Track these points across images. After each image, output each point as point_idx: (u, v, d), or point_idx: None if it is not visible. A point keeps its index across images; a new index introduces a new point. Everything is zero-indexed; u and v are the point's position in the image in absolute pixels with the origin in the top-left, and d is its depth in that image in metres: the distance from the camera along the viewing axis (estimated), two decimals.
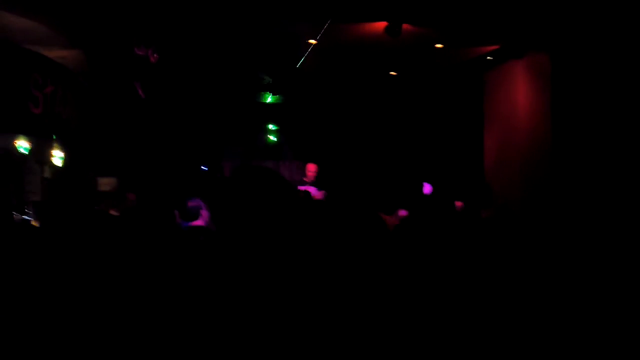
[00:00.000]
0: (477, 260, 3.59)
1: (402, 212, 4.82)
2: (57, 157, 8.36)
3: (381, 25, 6.11)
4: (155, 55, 6.46)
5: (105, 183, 8.44)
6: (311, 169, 8.08)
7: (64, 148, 8.34)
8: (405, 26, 6.05)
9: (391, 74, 8.75)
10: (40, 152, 8.69)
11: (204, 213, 4.46)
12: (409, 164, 10.14)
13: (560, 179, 6.74)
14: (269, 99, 10.18)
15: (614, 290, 3.83)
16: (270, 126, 10.89)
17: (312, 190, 5.95)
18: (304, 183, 8.01)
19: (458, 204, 5.65)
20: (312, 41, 6.78)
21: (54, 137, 7.85)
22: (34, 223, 7.60)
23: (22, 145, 7.93)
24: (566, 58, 6.74)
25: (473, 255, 3.65)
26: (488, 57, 7.74)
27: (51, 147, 8.36)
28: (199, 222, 4.43)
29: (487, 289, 3.29)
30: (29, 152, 8.07)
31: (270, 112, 10.72)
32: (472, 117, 8.98)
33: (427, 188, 7.76)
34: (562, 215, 6.41)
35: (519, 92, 7.73)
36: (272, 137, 10.86)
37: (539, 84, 7.25)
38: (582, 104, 6.52)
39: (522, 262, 3.84)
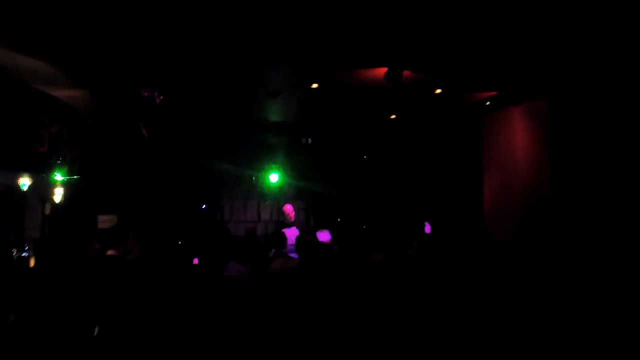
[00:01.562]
0: (473, 299, 3.62)
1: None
2: (59, 194, 8.40)
3: (382, 71, 6.25)
4: (160, 97, 6.58)
5: (106, 220, 8.46)
6: (288, 210, 7.95)
7: (66, 186, 8.39)
8: (405, 72, 6.18)
9: (391, 118, 8.87)
10: (41, 190, 8.74)
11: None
12: (409, 207, 10.18)
13: (558, 223, 6.77)
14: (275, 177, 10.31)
15: (609, 333, 3.83)
16: (271, 166, 10.96)
17: (321, 235, 5.95)
18: (286, 225, 7.72)
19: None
20: (314, 85, 6.91)
21: (59, 175, 7.91)
22: (31, 260, 7.58)
23: (24, 182, 7.99)
24: (563, 104, 6.87)
25: (470, 294, 3.68)
26: (487, 103, 7.88)
27: (53, 185, 8.40)
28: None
29: (480, 327, 3.31)
30: (29, 189, 8.11)
31: (271, 153, 10.82)
32: (472, 160, 9.07)
33: (427, 228, 7.81)
34: (560, 259, 6.42)
35: (518, 137, 7.83)
36: (273, 177, 10.92)
37: (536, 129, 7.36)
38: (579, 149, 6.61)
39: (518, 302, 3.86)
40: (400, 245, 5.66)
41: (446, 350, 3.00)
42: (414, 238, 6.23)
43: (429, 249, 6.08)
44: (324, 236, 5.97)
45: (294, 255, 5.51)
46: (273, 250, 6.10)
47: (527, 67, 6.31)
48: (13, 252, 7.54)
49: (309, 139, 9.96)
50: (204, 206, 10.52)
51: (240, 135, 9.82)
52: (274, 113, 8.76)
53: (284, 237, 5.81)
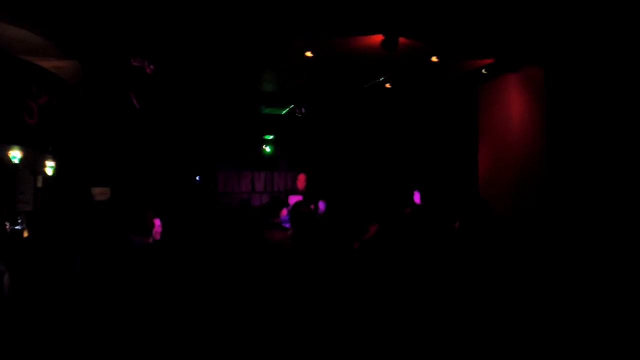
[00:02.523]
0: (469, 270, 3.60)
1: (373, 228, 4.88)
2: (50, 167, 8.32)
3: (377, 38, 6.14)
4: (151, 66, 6.44)
5: (100, 193, 8.40)
6: (301, 178, 8.42)
7: (57, 158, 8.30)
8: (401, 39, 6.08)
9: (386, 87, 8.78)
10: (33, 163, 8.65)
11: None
12: (403, 176, 10.16)
13: (553, 192, 6.77)
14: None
15: (606, 301, 3.84)
16: (265, 137, 10.89)
17: (321, 205, 5.97)
18: (297, 192, 8.12)
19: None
20: (308, 54, 6.79)
21: (49, 147, 7.82)
22: (25, 233, 7.55)
23: (15, 155, 7.89)
24: (560, 71, 6.79)
25: (465, 266, 3.66)
26: (483, 71, 7.79)
27: (45, 158, 8.31)
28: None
29: (477, 300, 3.30)
30: (20, 162, 8.02)
31: (265, 123, 10.73)
32: (467, 129, 9.02)
33: (417, 196, 7.81)
34: (555, 228, 6.43)
35: (514, 105, 7.77)
36: (266, 148, 10.87)
37: (533, 97, 7.30)
38: (576, 117, 6.56)
39: (514, 274, 3.85)
40: (394, 215, 5.65)
41: (442, 325, 2.99)
42: (411, 208, 6.23)
43: (420, 218, 6.07)
44: (321, 206, 5.96)
45: (288, 225, 5.49)
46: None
47: (524, 32, 6.21)
48: (6, 225, 7.51)
49: (303, 109, 9.87)
50: (197, 177, 10.46)
51: (233, 105, 9.71)
52: (268, 82, 8.64)
53: (281, 205, 5.78)
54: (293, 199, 7.04)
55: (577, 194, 6.43)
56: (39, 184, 9.22)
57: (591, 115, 6.35)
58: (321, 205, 5.95)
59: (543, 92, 7.04)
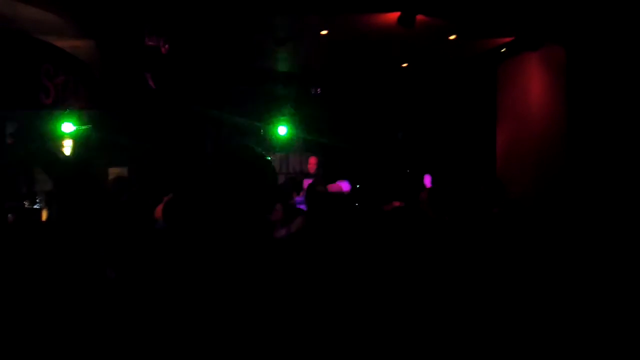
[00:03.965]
0: (485, 254, 3.54)
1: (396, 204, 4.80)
2: (68, 147, 8.36)
3: (394, 15, 6.04)
4: (166, 46, 6.42)
5: (117, 174, 8.44)
6: (312, 161, 8.28)
7: (75, 138, 8.35)
8: (418, 17, 5.97)
9: (403, 66, 8.67)
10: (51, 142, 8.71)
11: None
12: (419, 158, 10.08)
13: (574, 174, 6.65)
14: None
15: (627, 286, 3.77)
16: (281, 117, 10.84)
17: (344, 185, 5.88)
18: (309, 175, 8.00)
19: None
20: (324, 32, 6.72)
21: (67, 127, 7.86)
22: (43, 212, 7.63)
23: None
24: (582, 50, 6.63)
25: (482, 250, 3.60)
26: (502, 50, 7.64)
27: (62, 138, 8.36)
28: None
29: (494, 284, 3.25)
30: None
31: (281, 103, 10.68)
32: (485, 110, 8.90)
33: (427, 180, 7.73)
34: (576, 211, 6.33)
35: (533, 85, 7.63)
36: (282, 129, 10.81)
37: (553, 76, 7.15)
38: (597, 97, 6.42)
39: (533, 258, 3.79)
40: (411, 196, 5.58)
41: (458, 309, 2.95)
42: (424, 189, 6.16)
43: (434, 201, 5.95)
44: (344, 186, 5.88)
45: (302, 207, 5.44)
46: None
47: (545, 9, 6.06)
48: (25, 204, 7.59)
49: (318, 90, 9.80)
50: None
51: (248, 86, 9.67)
52: (283, 63, 8.59)
53: (296, 186, 5.73)
54: (307, 183, 6.99)
55: (598, 174, 6.31)
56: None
57: (613, 94, 6.20)
58: (344, 185, 5.85)
59: (564, 72, 6.88)
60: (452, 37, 7.03)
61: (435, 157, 9.82)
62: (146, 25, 6.34)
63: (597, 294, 3.61)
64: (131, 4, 5.80)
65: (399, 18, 5.96)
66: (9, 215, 6.31)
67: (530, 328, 3.02)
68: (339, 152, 10.43)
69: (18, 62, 6.05)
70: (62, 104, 6.75)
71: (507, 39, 7.38)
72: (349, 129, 10.68)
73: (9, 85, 5.89)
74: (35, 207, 7.60)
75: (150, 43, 6.45)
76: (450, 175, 8.46)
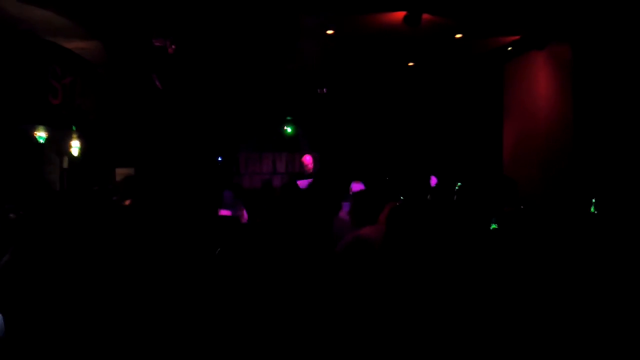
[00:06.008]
0: (500, 254, 3.54)
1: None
2: (75, 147, 8.42)
3: (400, 14, 6.03)
4: (172, 46, 6.45)
5: (124, 174, 8.49)
6: (307, 161, 7.84)
7: (82, 139, 8.40)
8: (424, 15, 5.97)
9: (409, 65, 8.66)
10: (59, 143, 8.76)
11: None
12: (425, 157, 10.07)
13: (581, 172, 6.63)
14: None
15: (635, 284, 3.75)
16: (287, 117, 10.86)
17: (356, 186, 5.77)
18: (306, 176, 7.67)
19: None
20: (330, 32, 6.72)
21: (73, 128, 7.91)
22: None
23: (41, 135, 8.01)
24: (588, 49, 6.60)
25: (497, 250, 3.60)
26: (508, 48, 7.62)
27: (70, 138, 8.42)
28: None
29: (508, 283, 3.24)
30: (45, 142, 8.14)
31: (287, 103, 10.70)
32: (491, 108, 8.87)
33: (433, 181, 7.70)
34: (583, 210, 6.30)
35: (540, 84, 7.60)
36: (288, 129, 10.82)
37: (560, 75, 7.12)
38: (604, 96, 6.39)
39: (544, 257, 3.77)
40: (418, 194, 5.57)
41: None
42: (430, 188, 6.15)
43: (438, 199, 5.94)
44: (358, 187, 5.82)
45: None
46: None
47: (550, 8, 6.04)
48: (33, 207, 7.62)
49: (325, 89, 9.81)
50: (219, 158, 10.51)
51: (255, 85, 9.68)
52: (290, 62, 8.58)
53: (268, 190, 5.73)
54: (301, 184, 6.77)
55: (605, 173, 6.29)
56: (65, 165, 9.34)
57: (620, 92, 6.18)
58: (355, 187, 5.74)
59: (570, 70, 6.86)
60: (458, 35, 7.02)
61: (442, 156, 9.81)
62: (153, 26, 6.38)
63: (609, 293, 3.59)
64: (137, 6, 5.83)
65: (405, 17, 5.96)
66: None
67: (546, 329, 3.02)
68: (344, 151, 10.45)
69: (26, 63, 6.11)
70: (69, 105, 6.80)
71: (513, 38, 7.36)
72: (355, 128, 10.68)
73: (18, 86, 5.95)
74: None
75: (156, 43, 6.48)
76: (457, 174, 8.44)
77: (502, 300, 3.03)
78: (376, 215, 3.93)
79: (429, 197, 5.93)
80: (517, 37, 7.34)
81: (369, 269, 2.98)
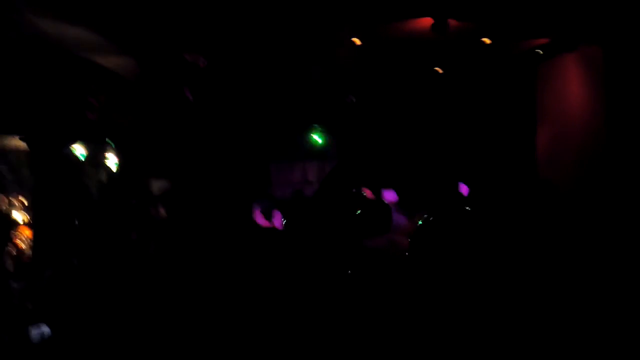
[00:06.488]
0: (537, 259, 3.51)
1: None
2: (112, 161, 8.65)
3: (427, 22, 6.04)
4: (204, 60, 6.60)
5: (159, 185, 8.68)
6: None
7: (118, 152, 8.62)
8: (451, 22, 5.96)
9: (439, 71, 8.63)
10: (96, 158, 9.01)
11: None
12: (458, 162, 9.97)
13: (616, 176, 6.50)
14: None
15: None
16: (316, 126, 10.90)
17: (388, 195, 5.73)
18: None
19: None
20: (357, 41, 6.77)
21: (110, 142, 8.13)
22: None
23: (82, 152, 8.27)
24: (619, 51, 6.49)
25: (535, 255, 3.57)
26: (538, 51, 7.53)
27: (106, 152, 8.66)
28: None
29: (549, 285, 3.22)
30: (85, 157, 8.39)
31: (316, 112, 10.74)
32: (524, 111, 8.74)
33: (463, 189, 7.59)
34: (618, 213, 6.18)
35: (572, 86, 7.49)
36: (317, 138, 10.85)
37: (592, 77, 7.01)
38: (636, 97, 6.27)
39: (581, 261, 3.73)
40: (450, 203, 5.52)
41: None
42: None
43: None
44: (390, 196, 5.73)
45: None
46: None
47: (580, 11, 5.96)
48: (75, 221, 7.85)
49: (354, 98, 9.83)
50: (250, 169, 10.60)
51: (284, 95, 9.77)
52: (318, 71, 8.65)
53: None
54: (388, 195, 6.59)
55: None
56: (103, 179, 9.59)
57: None
58: (388, 195, 5.65)
59: (602, 72, 6.75)
60: (487, 40, 6.97)
61: (474, 160, 9.70)
62: (184, 42, 6.53)
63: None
64: (169, 22, 5.99)
65: (432, 25, 5.96)
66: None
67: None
68: (376, 160, 10.42)
69: (65, 81, 6.33)
70: (106, 120, 7.01)
71: (542, 41, 7.28)
72: (384, 134, 10.66)
73: (57, 103, 6.17)
74: None
75: (188, 58, 6.64)
76: (489, 180, 8.34)
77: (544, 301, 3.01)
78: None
79: (464, 208, 5.86)
80: (546, 40, 7.25)
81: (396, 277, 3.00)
